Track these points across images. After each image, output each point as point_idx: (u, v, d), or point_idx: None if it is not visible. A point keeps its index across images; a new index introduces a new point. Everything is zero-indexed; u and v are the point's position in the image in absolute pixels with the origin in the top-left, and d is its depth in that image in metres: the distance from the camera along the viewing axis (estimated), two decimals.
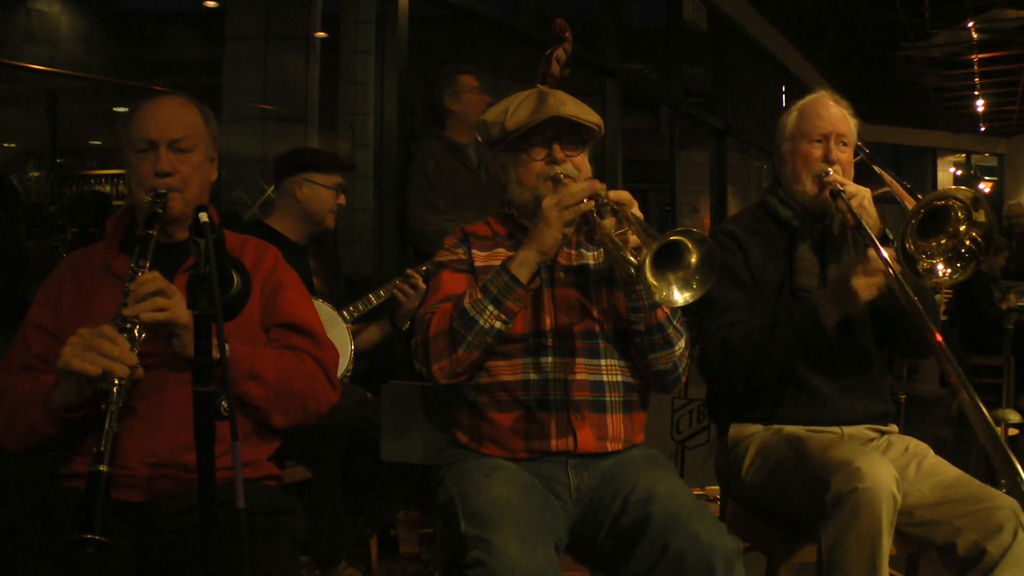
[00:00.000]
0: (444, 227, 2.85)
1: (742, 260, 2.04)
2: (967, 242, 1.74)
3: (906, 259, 1.73)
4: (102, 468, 1.33)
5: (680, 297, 1.46)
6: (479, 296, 1.65)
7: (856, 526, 1.63)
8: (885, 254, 1.75)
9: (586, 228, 1.66)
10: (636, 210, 1.60)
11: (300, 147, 2.95)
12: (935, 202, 1.73)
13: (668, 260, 1.45)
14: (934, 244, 1.77)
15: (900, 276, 1.70)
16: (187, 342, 1.52)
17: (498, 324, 1.64)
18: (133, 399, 1.54)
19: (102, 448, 1.35)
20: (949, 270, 1.75)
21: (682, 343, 1.73)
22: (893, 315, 1.97)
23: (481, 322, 1.63)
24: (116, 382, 1.42)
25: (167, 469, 1.56)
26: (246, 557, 1.30)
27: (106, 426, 1.37)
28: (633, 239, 1.53)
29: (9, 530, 1.47)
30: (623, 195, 1.61)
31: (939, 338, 1.57)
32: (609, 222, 1.59)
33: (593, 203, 1.60)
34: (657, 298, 1.45)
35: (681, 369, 1.76)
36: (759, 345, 1.92)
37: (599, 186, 1.61)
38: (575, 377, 1.72)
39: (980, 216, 1.73)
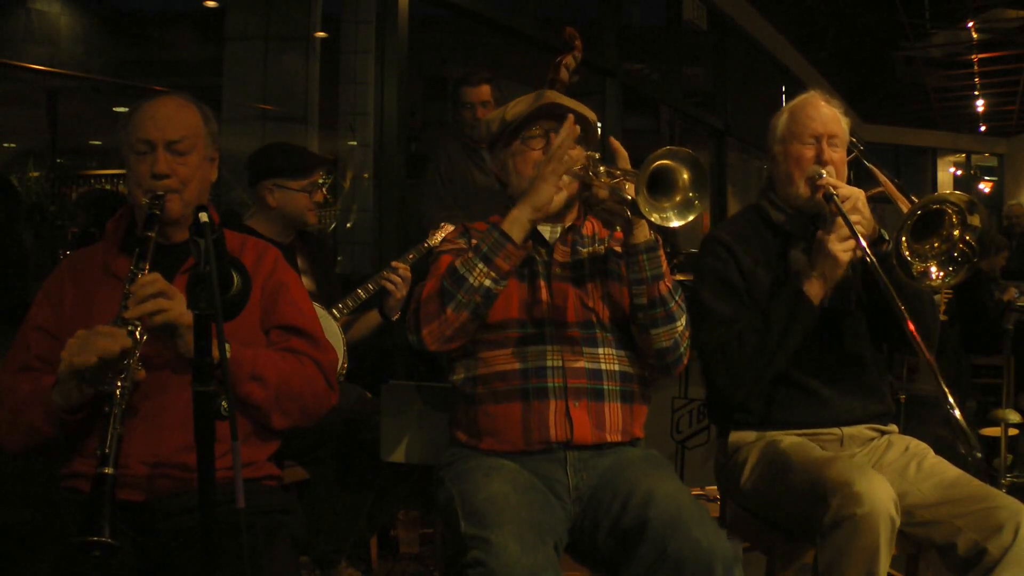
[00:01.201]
0: (451, 222, 2.86)
1: (734, 267, 2.03)
2: (960, 245, 1.75)
3: (901, 263, 1.73)
4: (108, 471, 1.33)
5: (681, 220, 1.53)
6: (470, 255, 1.66)
7: (854, 550, 1.63)
8: (851, 221, 1.80)
9: (585, 193, 1.69)
10: (628, 164, 1.65)
11: (269, 146, 2.81)
12: (931, 205, 1.73)
13: (663, 189, 1.52)
14: (927, 247, 1.78)
15: (869, 247, 1.77)
16: (191, 341, 1.52)
17: (488, 282, 1.64)
18: (135, 400, 1.54)
19: (107, 450, 1.35)
20: (942, 273, 1.76)
21: (684, 319, 1.74)
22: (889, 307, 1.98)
23: (471, 279, 1.64)
24: (119, 384, 1.42)
25: (167, 469, 1.56)
26: (246, 557, 1.30)
27: (111, 429, 1.37)
28: (630, 189, 1.57)
29: (10, 530, 1.47)
30: (621, 148, 1.66)
31: (901, 307, 1.67)
32: (604, 180, 1.64)
33: (587, 157, 1.65)
34: (658, 221, 1.51)
35: (683, 348, 1.76)
36: (758, 342, 1.92)
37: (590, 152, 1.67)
38: (573, 365, 1.73)
39: (975, 220, 1.73)
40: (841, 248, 1.84)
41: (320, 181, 2.66)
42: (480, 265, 1.64)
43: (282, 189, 2.59)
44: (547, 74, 2.99)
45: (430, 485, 1.84)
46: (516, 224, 1.65)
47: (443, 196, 3.19)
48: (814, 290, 1.89)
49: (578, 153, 1.64)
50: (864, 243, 1.77)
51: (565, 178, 1.69)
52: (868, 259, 1.77)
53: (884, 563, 1.64)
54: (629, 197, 1.55)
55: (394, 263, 2.72)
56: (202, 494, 1.21)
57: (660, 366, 1.78)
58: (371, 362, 3.15)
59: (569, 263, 1.82)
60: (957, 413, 1.54)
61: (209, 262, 1.24)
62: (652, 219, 1.51)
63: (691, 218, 1.52)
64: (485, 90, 3.26)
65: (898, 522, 1.65)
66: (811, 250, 2.03)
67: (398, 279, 2.67)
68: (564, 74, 2.98)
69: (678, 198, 1.51)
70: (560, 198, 1.67)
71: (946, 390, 1.55)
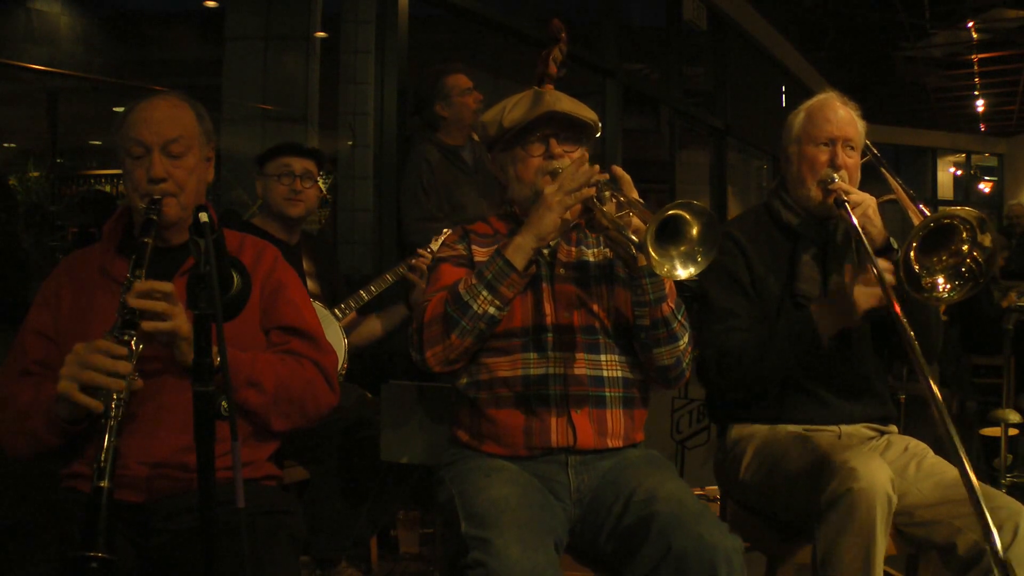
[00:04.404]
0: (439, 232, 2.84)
1: (744, 264, 2.03)
2: (968, 260, 1.73)
3: (908, 276, 1.72)
4: (103, 484, 1.32)
5: (684, 271, 1.47)
6: (473, 281, 1.65)
7: (851, 526, 1.63)
8: (881, 266, 1.74)
9: (587, 216, 1.67)
10: (635, 193, 1.62)
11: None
12: (943, 220, 1.72)
13: (670, 235, 1.47)
14: (935, 260, 1.76)
15: (892, 292, 1.70)
16: (186, 351, 1.52)
17: (492, 310, 1.64)
18: (133, 404, 1.53)
19: (102, 463, 1.34)
20: (949, 286, 1.74)
21: (686, 338, 1.74)
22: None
23: (475, 307, 1.63)
24: (114, 397, 1.41)
25: (167, 470, 1.56)
26: (246, 557, 1.30)
27: (105, 442, 1.36)
28: (635, 222, 1.55)
29: (10, 530, 1.47)
30: (624, 174, 1.63)
31: (913, 340, 1.59)
32: (609, 207, 1.60)
33: (594, 189, 1.61)
34: (661, 272, 1.47)
35: (685, 364, 1.76)
36: (756, 354, 1.92)
37: (596, 169, 1.62)
38: (575, 372, 1.72)
39: (985, 240, 1.72)
40: (863, 293, 1.81)
41: (299, 172, 2.64)
42: (484, 293, 1.64)
43: (264, 177, 2.66)
44: (536, 68, 3.00)
45: (430, 485, 1.84)
46: (520, 252, 1.64)
47: (424, 207, 3.17)
48: (826, 323, 1.87)
49: (589, 191, 1.60)
50: (891, 293, 1.70)
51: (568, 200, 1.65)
52: (890, 297, 1.71)
53: (880, 545, 1.63)
54: (635, 238, 1.50)
55: (419, 250, 2.72)
56: (202, 494, 1.20)
57: (661, 381, 1.78)
58: (371, 362, 3.15)
59: (573, 263, 1.81)
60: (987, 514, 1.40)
61: (209, 263, 1.23)
62: (661, 271, 1.46)
63: (692, 272, 1.47)
64: (463, 78, 3.26)
65: (895, 500, 1.65)
66: (821, 256, 2.02)
67: (420, 268, 2.67)
68: (552, 68, 2.99)
69: (683, 248, 1.47)
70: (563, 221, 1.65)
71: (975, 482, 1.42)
